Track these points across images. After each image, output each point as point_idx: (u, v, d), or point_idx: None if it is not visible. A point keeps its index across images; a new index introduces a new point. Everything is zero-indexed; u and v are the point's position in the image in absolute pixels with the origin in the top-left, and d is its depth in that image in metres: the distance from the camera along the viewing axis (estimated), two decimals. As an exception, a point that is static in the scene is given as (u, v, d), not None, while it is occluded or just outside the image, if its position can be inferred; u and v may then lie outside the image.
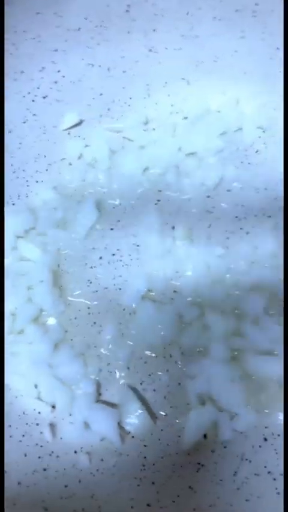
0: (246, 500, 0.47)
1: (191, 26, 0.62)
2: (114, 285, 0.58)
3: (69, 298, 0.58)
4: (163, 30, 0.63)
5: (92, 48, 0.64)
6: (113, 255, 0.60)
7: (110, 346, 0.55)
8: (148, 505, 0.46)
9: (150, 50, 0.64)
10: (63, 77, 0.64)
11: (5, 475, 0.46)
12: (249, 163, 0.62)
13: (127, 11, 0.61)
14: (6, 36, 0.59)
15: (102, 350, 0.55)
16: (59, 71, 0.64)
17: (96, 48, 0.64)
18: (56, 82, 0.64)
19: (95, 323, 0.57)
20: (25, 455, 0.48)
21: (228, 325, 0.55)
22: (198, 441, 0.50)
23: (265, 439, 0.50)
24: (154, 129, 0.65)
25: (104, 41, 0.64)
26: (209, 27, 0.62)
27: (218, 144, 0.63)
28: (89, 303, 0.58)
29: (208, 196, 0.62)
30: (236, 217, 0.60)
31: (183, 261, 0.58)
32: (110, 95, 0.66)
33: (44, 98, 0.64)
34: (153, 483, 0.47)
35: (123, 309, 0.57)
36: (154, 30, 0.63)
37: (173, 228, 0.60)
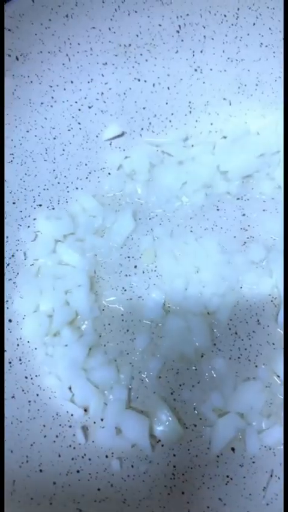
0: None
1: (238, 50, 0.64)
2: (148, 294, 0.59)
3: (104, 304, 0.59)
4: (210, 52, 0.65)
5: (139, 64, 0.66)
6: (148, 265, 0.61)
7: (142, 354, 0.56)
8: (179, 514, 0.46)
9: (195, 70, 0.66)
10: (110, 89, 0.66)
11: (41, 474, 0.47)
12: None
13: (178, 31, 0.64)
14: (61, 48, 0.62)
15: (134, 358, 0.56)
16: (106, 83, 0.66)
17: (143, 64, 0.66)
18: (102, 94, 0.66)
19: (127, 330, 0.58)
20: (59, 455, 0.49)
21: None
22: (226, 454, 0.50)
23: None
24: (193, 145, 0.67)
25: (152, 58, 0.65)
26: (255, 53, 0.64)
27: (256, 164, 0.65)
28: (122, 309, 0.59)
29: (244, 215, 0.63)
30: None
31: (217, 274, 0.60)
32: (152, 110, 0.68)
33: (90, 107, 0.66)
34: (183, 493, 0.48)
35: (156, 319, 0.58)
36: (201, 52, 0.65)
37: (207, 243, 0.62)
